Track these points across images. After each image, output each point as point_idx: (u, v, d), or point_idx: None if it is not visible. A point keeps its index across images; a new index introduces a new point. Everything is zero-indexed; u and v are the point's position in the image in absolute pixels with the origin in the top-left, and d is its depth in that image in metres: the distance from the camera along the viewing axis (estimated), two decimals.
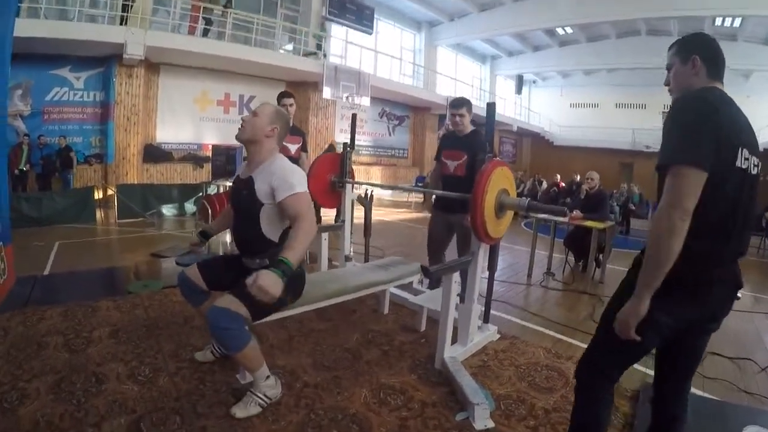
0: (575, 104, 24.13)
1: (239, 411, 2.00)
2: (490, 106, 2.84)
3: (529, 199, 2.38)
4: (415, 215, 10.51)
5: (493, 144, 2.78)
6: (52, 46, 8.62)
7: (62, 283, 3.94)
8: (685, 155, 1.22)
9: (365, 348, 2.82)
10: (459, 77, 19.54)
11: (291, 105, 4.07)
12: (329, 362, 2.59)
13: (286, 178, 2.03)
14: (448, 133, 3.63)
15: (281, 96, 4.09)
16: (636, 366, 2.64)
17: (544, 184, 12.37)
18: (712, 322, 1.42)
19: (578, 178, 9.75)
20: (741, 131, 1.29)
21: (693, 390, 2.50)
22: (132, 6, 9.30)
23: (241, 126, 2.15)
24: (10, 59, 3.68)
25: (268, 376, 2.10)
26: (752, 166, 1.32)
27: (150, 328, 2.92)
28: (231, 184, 2.95)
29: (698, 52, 1.40)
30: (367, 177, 15.20)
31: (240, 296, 1.98)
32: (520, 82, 23.59)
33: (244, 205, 2.12)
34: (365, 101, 13.88)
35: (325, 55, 13.20)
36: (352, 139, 3.95)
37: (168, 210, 8.29)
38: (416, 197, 13.19)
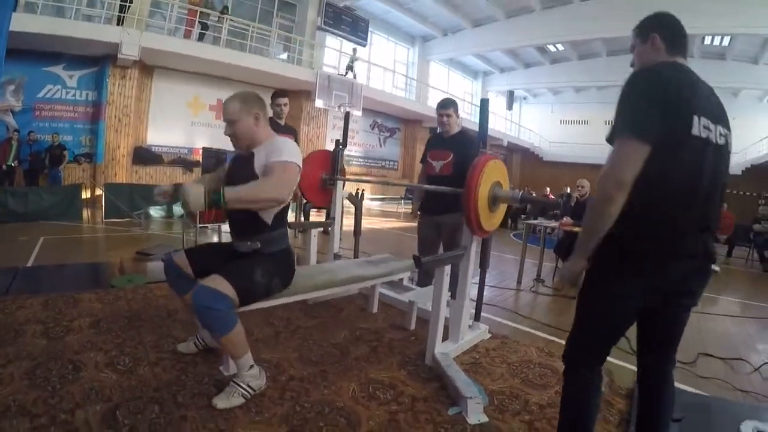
0: (565, 121, 24.46)
1: (221, 402, 1.91)
2: (484, 102, 2.83)
3: (522, 191, 2.36)
4: (404, 224, 10.47)
5: (486, 142, 2.76)
6: (47, 43, 8.55)
7: (44, 275, 3.83)
8: (625, 128, 1.26)
9: (353, 344, 2.74)
10: (451, 92, 19.71)
11: (285, 104, 4.05)
12: (316, 357, 2.51)
13: (281, 149, 2.04)
14: (433, 135, 3.63)
15: (275, 95, 4.06)
16: (629, 365, 2.65)
17: (534, 195, 12.41)
18: (688, 296, 1.41)
19: (568, 190, 9.83)
20: (698, 101, 1.29)
21: (688, 388, 2.50)
22: (129, 7, 9.27)
23: (233, 142, 2.14)
24: (4, 54, 3.64)
25: (252, 366, 2.03)
26: (717, 135, 1.31)
27: (132, 319, 2.83)
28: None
29: (657, 31, 1.43)
30: (356, 187, 15.13)
31: (228, 277, 1.93)
32: (511, 98, 23.88)
33: (241, 179, 2.06)
34: (357, 111, 13.93)
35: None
36: (345, 137, 3.92)
37: (156, 211, 8.17)
38: (405, 207, 13.18)
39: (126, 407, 1.82)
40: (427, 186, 3.26)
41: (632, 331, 1.51)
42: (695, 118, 1.26)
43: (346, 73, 13.52)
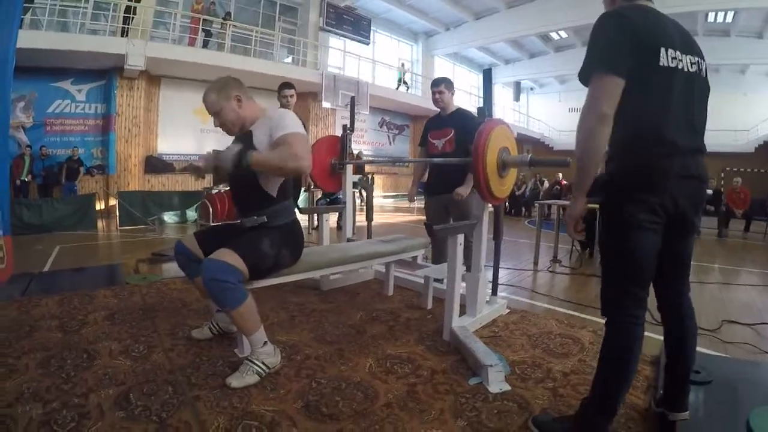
0: (573, 109, 24.11)
1: (235, 381, 1.87)
2: (486, 72, 2.79)
3: (531, 155, 2.29)
4: (418, 217, 10.40)
5: (492, 111, 2.70)
6: (54, 59, 8.69)
7: (60, 278, 3.85)
8: (598, 64, 1.34)
9: (369, 324, 2.70)
10: (456, 86, 19.54)
11: (291, 96, 4.06)
12: (332, 337, 2.47)
13: (284, 123, 2.03)
14: (431, 117, 3.61)
15: (281, 87, 4.07)
16: (654, 335, 2.55)
17: (546, 184, 12.27)
18: (688, 222, 1.46)
19: None
20: (663, 35, 1.37)
21: (713, 353, 2.41)
22: (132, 19, 9.39)
23: (226, 131, 2.19)
24: (12, 70, 3.70)
25: (265, 342, 2.00)
26: (687, 64, 1.39)
27: (147, 311, 2.83)
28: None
29: None
30: (366, 173, 15.16)
31: (237, 249, 1.91)
32: (517, 89, 23.68)
33: None
34: (364, 110, 13.92)
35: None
36: (352, 121, 3.90)
37: (169, 217, 8.23)
38: (419, 203, 13.08)
39: (139, 389, 1.80)
40: (434, 159, 3.21)
41: (650, 298, 1.50)
42: (662, 50, 1.34)
43: (398, 87, 13.59)
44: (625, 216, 1.38)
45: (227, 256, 1.88)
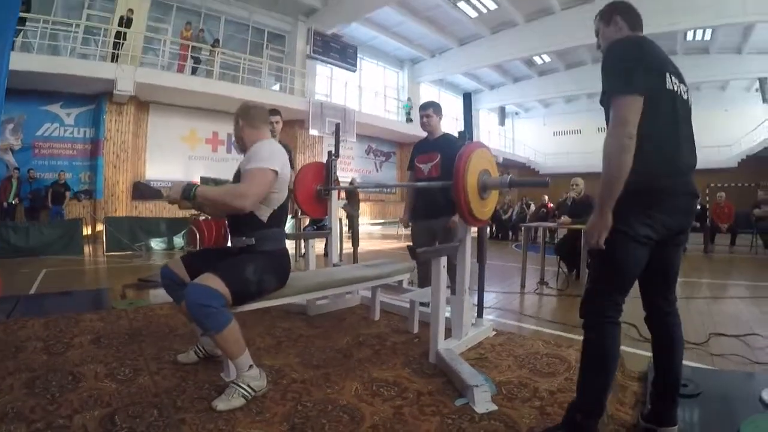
0: (558, 132, 24.70)
1: (221, 404, 1.87)
2: (466, 96, 2.89)
3: (510, 176, 2.36)
4: (404, 244, 10.41)
5: (473, 135, 2.79)
6: (45, 82, 8.77)
7: (47, 301, 3.84)
8: (623, 86, 1.43)
9: (356, 349, 2.71)
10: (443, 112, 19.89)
11: (277, 122, 4.11)
12: (318, 361, 2.47)
13: (251, 157, 2.13)
14: (419, 141, 3.68)
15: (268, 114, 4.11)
16: (641, 351, 2.62)
17: (532, 207, 12.42)
18: (680, 233, 1.59)
19: (566, 195, 9.79)
20: (666, 61, 1.54)
21: (702, 365, 2.46)
22: (122, 44, 9.50)
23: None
24: (4, 93, 3.72)
25: (251, 366, 2.00)
26: (682, 92, 1.56)
27: (133, 335, 2.82)
28: None
29: (618, 13, 1.68)
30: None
31: (220, 274, 1.93)
32: (502, 114, 24.15)
33: (235, 182, 2.18)
34: (351, 137, 14.07)
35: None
36: (337, 147, 3.96)
37: (156, 243, 8.17)
38: (406, 231, 13.06)
39: (124, 411, 1.79)
40: (418, 183, 3.28)
41: (638, 316, 1.67)
42: (667, 74, 1.50)
43: (407, 120, 13.81)
44: (629, 231, 1.47)
45: (210, 280, 1.90)
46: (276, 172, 2.11)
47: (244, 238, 2.15)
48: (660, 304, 1.66)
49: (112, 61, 9.41)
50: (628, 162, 1.40)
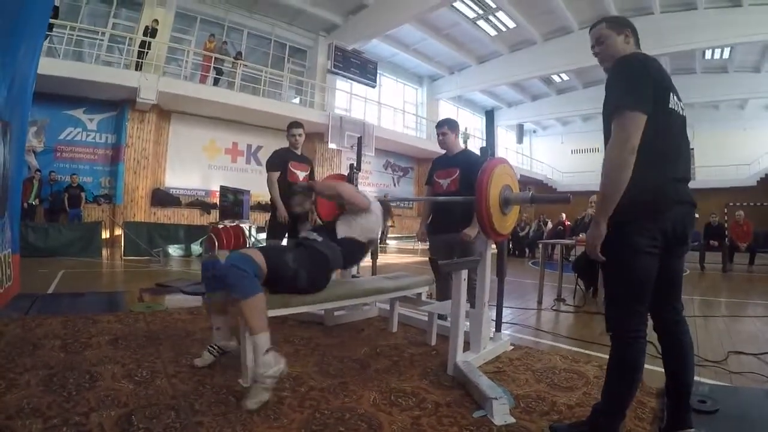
0: (576, 150, 24.51)
1: (251, 403, 1.89)
2: (489, 113, 2.89)
3: (532, 192, 2.35)
4: (421, 258, 10.39)
5: (495, 151, 2.79)
6: (69, 87, 8.99)
7: (64, 301, 3.89)
8: (627, 102, 1.47)
9: (374, 359, 2.68)
10: (461, 129, 19.89)
11: (300, 135, 4.18)
12: (336, 371, 2.45)
13: None
14: (438, 157, 3.69)
15: (290, 126, 4.19)
16: (659, 368, 2.53)
17: (549, 224, 12.32)
18: (683, 244, 1.64)
19: (584, 212, 9.72)
20: (669, 82, 1.59)
21: (720, 383, 2.40)
22: (147, 53, 9.73)
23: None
24: (32, 94, 3.84)
25: (268, 350, 2.00)
26: (680, 109, 1.62)
27: (150, 338, 2.83)
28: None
29: (630, 28, 1.73)
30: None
31: (263, 250, 2.10)
32: (520, 131, 24.11)
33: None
34: (369, 152, 14.16)
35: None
36: (359, 160, 3.99)
37: (174, 250, 8.27)
38: (423, 245, 13.08)
39: (141, 412, 1.79)
40: (438, 198, 3.27)
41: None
42: (670, 94, 1.56)
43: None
44: (637, 243, 1.53)
45: (251, 251, 2.03)
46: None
47: (315, 233, 2.42)
48: (669, 313, 1.72)
49: (136, 69, 9.63)
50: (627, 176, 1.46)
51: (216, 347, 2.43)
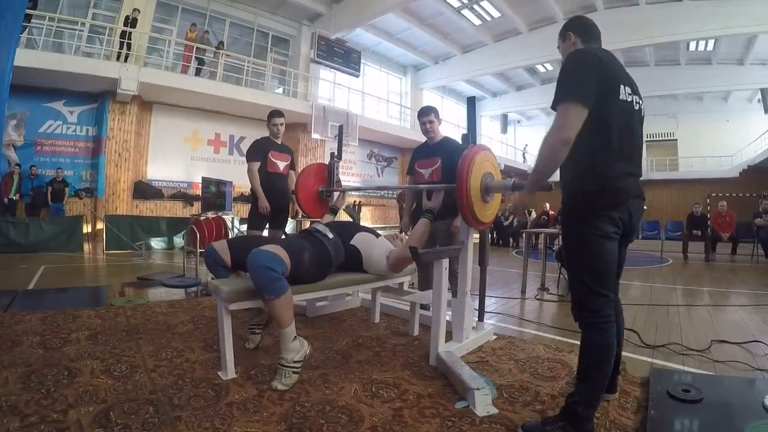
0: None
1: (279, 384, 2.03)
2: (470, 99, 2.88)
3: (514, 179, 2.34)
4: None
5: (476, 138, 2.78)
6: (48, 79, 8.77)
7: (45, 297, 3.83)
8: (567, 94, 1.54)
9: (355, 350, 2.68)
10: (445, 118, 19.81)
11: (281, 124, 4.15)
12: (317, 362, 2.44)
13: None
14: (419, 146, 3.67)
15: (271, 115, 4.14)
16: (643, 357, 2.61)
17: (533, 214, 12.41)
18: (633, 232, 1.73)
19: None
20: (620, 73, 1.65)
21: (704, 371, 2.44)
22: (128, 44, 9.52)
23: None
24: (8, 89, 3.73)
25: (295, 337, 2.11)
26: (635, 102, 1.67)
27: (131, 332, 2.80)
28: None
29: (571, 29, 1.82)
30: (352, 200, 15.21)
31: (284, 246, 2.11)
32: (505, 121, 24.13)
33: None
34: (353, 141, 14.09)
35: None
36: (339, 149, 3.96)
37: (157, 243, 8.17)
38: (406, 235, 13.03)
39: (120, 408, 1.77)
40: (420, 186, 3.25)
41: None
42: (621, 85, 1.60)
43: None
44: (598, 230, 1.61)
45: (276, 249, 2.04)
46: None
47: (328, 229, 2.53)
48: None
49: (118, 60, 9.42)
50: (557, 164, 1.58)
51: (255, 326, 2.59)
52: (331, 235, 2.51)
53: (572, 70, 1.60)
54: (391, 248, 2.68)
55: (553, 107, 1.60)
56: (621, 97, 1.60)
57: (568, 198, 1.72)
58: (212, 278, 2.49)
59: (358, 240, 2.65)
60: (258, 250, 2.03)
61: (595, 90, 1.53)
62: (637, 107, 1.68)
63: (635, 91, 1.69)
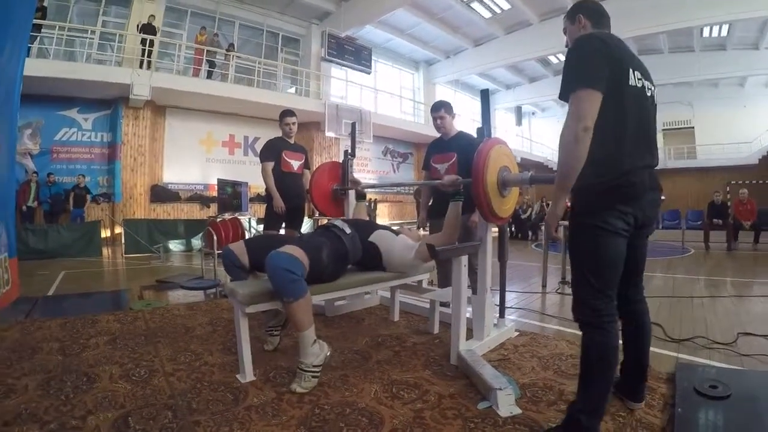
0: None
1: (299, 387, 2.01)
2: (484, 92, 2.82)
3: (531, 172, 2.28)
4: None
5: (491, 132, 2.72)
6: (61, 88, 8.91)
7: (64, 302, 3.88)
8: (580, 81, 1.46)
9: (375, 350, 2.64)
10: (459, 112, 19.67)
11: (293, 123, 4.13)
12: (336, 363, 2.41)
13: None
14: (433, 141, 3.61)
15: (283, 114, 4.13)
16: (668, 352, 2.51)
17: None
18: (649, 224, 1.65)
19: None
20: (630, 57, 1.56)
21: (730, 366, 2.34)
22: (147, 51, 9.63)
23: None
24: (19, 98, 3.77)
25: (314, 341, 2.08)
26: (647, 88, 1.59)
27: (149, 336, 2.80)
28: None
29: (581, 12, 1.73)
30: (368, 198, 15.18)
31: (302, 247, 2.09)
32: (519, 114, 23.89)
33: None
34: (367, 138, 14.06)
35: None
36: (353, 146, 3.91)
37: (175, 246, 8.24)
38: (424, 231, 12.97)
39: (138, 413, 1.76)
40: (435, 182, 3.19)
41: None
42: (630, 70, 1.53)
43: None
44: (607, 225, 1.52)
45: (294, 250, 2.02)
46: None
47: (346, 225, 2.50)
48: (630, 293, 1.75)
49: (141, 67, 9.53)
50: (582, 155, 1.43)
51: (273, 327, 2.57)
52: (348, 231, 2.48)
53: (579, 55, 1.52)
54: (411, 243, 2.63)
55: (563, 97, 1.52)
56: (631, 83, 1.52)
57: (579, 190, 1.59)
58: (231, 280, 2.48)
59: (377, 237, 2.62)
60: (276, 251, 2.01)
61: (605, 74, 1.46)
62: (648, 93, 1.60)
63: (646, 76, 1.61)
